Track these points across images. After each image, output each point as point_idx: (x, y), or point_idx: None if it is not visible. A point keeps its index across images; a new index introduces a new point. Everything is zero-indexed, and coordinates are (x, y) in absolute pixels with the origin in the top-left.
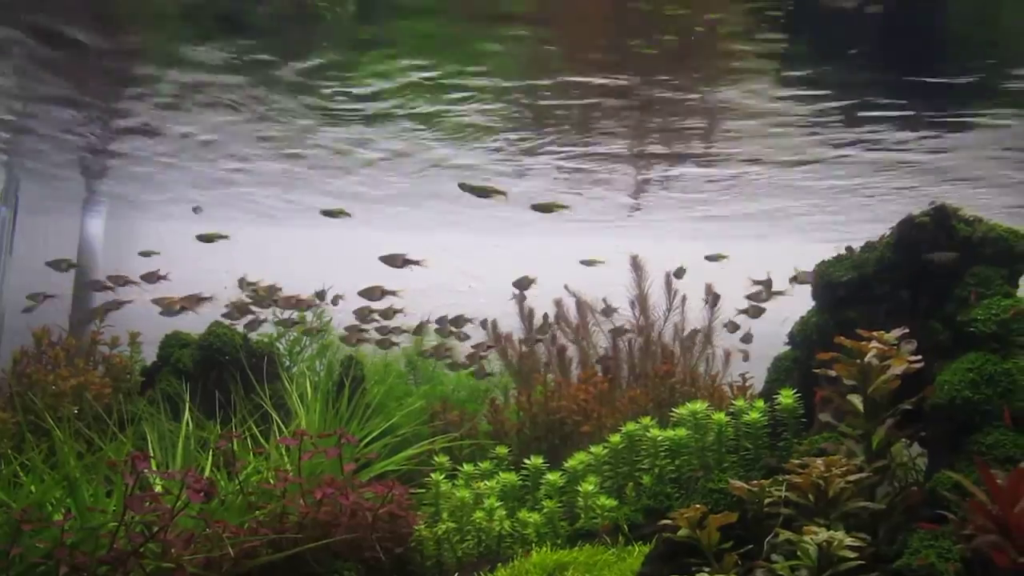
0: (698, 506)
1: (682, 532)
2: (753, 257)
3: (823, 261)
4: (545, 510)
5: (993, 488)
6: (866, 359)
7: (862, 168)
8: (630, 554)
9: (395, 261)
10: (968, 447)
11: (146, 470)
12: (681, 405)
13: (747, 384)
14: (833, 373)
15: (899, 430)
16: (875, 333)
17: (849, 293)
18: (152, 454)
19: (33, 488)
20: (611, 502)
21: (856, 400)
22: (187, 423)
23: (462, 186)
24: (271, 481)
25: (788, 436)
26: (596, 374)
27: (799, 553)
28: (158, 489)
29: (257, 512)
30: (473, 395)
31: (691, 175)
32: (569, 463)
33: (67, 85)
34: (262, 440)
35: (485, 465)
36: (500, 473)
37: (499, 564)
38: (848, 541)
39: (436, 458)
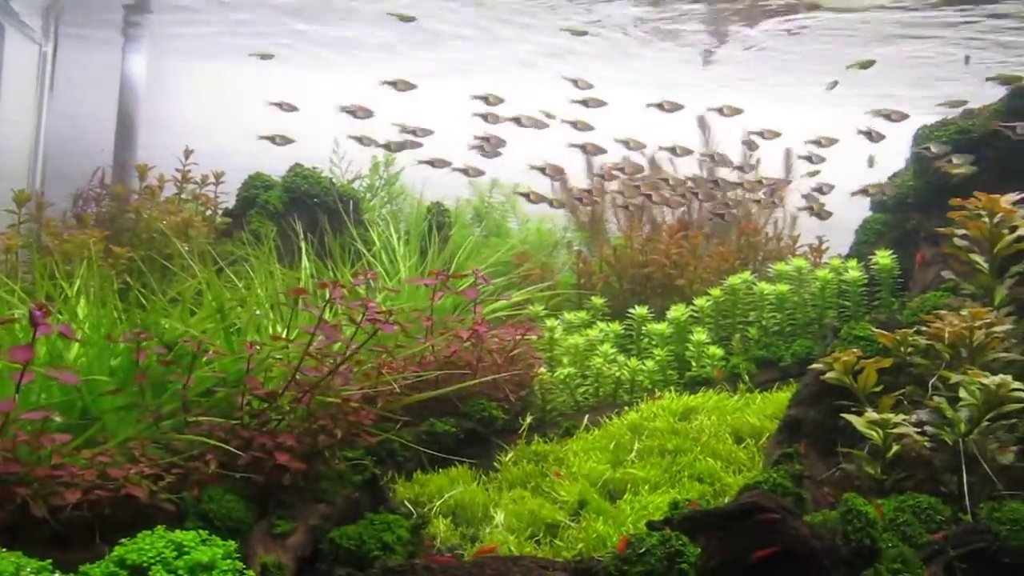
0: (855, 351)
1: (832, 375)
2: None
3: (925, 125)
4: (657, 358)
5: None
6: (995, 219)
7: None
8: (753, 400)
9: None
10: None
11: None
12: (771, 262)
13: (823, 247)
14: (960, 232)
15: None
16: (992, 196)
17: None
18: (257, 294)
19: (183, 322)
20: (720, 351)
21: (979, 259)
22: (305, 266)
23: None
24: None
25: (884, 295)
26: (687, 228)
27: (963, 394)
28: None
29: (400, 352)
30: (540, 248)
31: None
32: (672, 314)
33: None
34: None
35: (583, 315)
36: (598, 323)
37: (624, 408)
38: (1016, 385)
39: (532, 307)
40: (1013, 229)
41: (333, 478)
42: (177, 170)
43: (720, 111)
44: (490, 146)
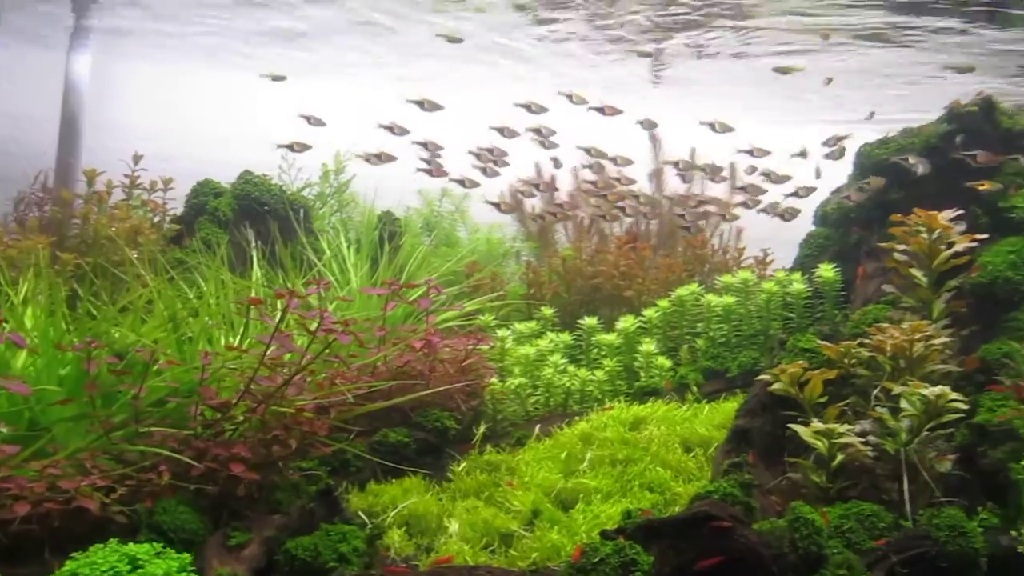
0: (801, 362)
1: (779, 386)
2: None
3: (867, 143)
4: (607, 368)
5: None
6: (934, 235)
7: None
8: (701, 410)
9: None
10: (1008, 323)
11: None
12: (718, 274)
13: (768, 259)
14: (901, 247)
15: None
16: (931, 212)
17: (894, 174)
18: (209, 303)
19: (135, 330)
20: (669, 362)
21: (918, 273)
22: (256, 275)
23: None
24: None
25: (827, 307)
26: (635, 240)
27: (904, 405)
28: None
29: (353, 361)
30: (490, 258)
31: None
32: (621, 325)
33: None
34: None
35: (533, 325)
36: (548, 333)
37: (574, 418)
38: (954, 396)
39: (483, 317)
40: (950, 245)
41: (288, 489)
42: (125, 175)
43: (712, 127)
44: (431, 155)
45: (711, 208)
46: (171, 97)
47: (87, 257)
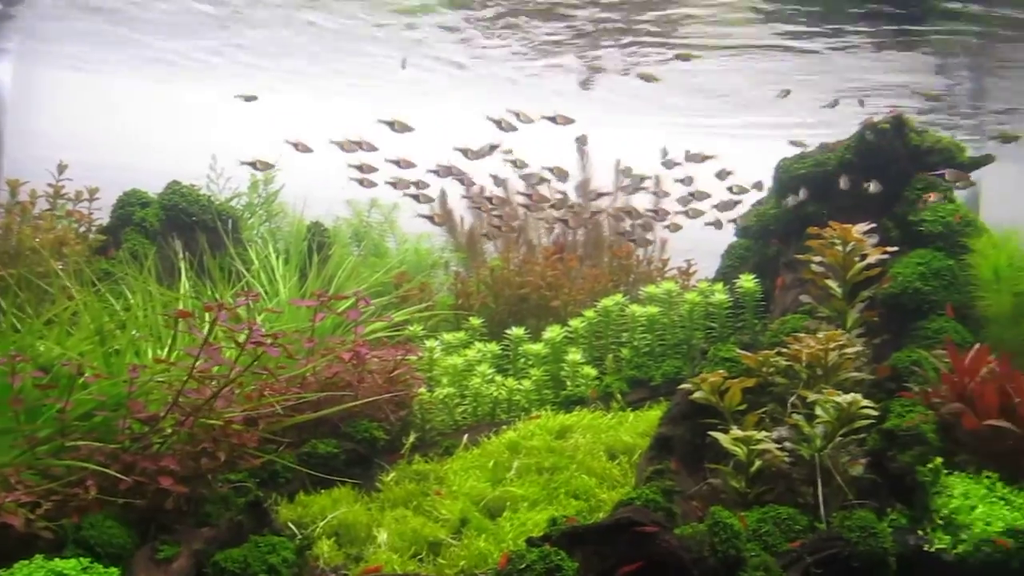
0: (721, 371)
1: (700, 395)
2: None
3: (785, 157)
4: (533, 377)
5: (957, 363)
6: (848, 248)
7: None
8: (626, 418)
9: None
10: (916, 332)
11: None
12: (642, 284)
13: (691, 270)
14: (817, 258)
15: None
16: (845, 226)
17: (811, 188)
18: (137, 315)
19: (60, 344)
20: (594, 371)
21: (834, 284)
22: (184, 287)
23: None
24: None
25: (748, 317)
26: (562, 251)
27: (819, 412)
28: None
29: (282, 372)
30: (418, 268)
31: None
32: (548, 335)
33: None
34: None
35: (461, 335)
36: (476, 343)
37: (502, 427)
38: (865, 403)
39: (411, 327)
40: (864, 257)
41: (216, 501)
42: (50, 185)
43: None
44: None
45: (656, 219)
46: (99, 106)
47: (10, 269)
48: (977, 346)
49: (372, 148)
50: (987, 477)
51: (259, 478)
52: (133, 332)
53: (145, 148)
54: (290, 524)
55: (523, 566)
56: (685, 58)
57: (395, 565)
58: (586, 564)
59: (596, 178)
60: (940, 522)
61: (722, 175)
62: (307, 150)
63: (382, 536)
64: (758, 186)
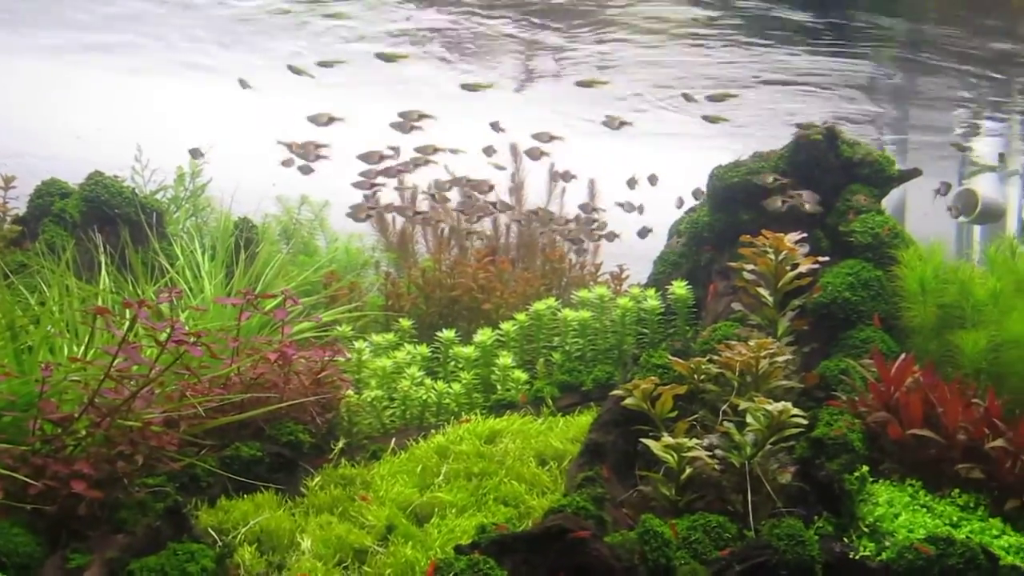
0: (653, 378)
1: (631, 401)
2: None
3: (720, 165)
4: (463, 381)
5: (884, 373)
6: (780, 257)
7: None
8: (556, 423)
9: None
10: (845, 341)
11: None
12: (575, 289)
13: (624, 275)
14: (749, 267)
15: (799, 322)
16: (777, 235)
17: (744, 197)
18: (52, 311)
19: None
20: (525, 375)
21: (765, 293)
22: (104, 282)
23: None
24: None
25: (680, 324)
26: (494, 254)
27: (749, 420)
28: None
29: (204, 372)
30: (348, 268)
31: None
32: (479, 338)
33: None
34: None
35: (390, 337)
36: (406, 345)
37: (431, 431)
38: (795, 411)
39: (339, 328)
40: (795, 266)
41: (133, 507)
42: None
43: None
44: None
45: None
46: (22, 93)
47: None
48: (903, 356)
49: (322, 147)
50: (911, 485)
51: (179, 482)
52: (48, 328)
53: (72, 137)
54: (210, 530)
55: (451, 574)
56: (720, 98)
57: (319, 573)
58: (515, 572)
59: (528, 182)
60: (865, 529)
61: (653, 180)
62: (301, 151)
63: (306, 543)
64: (696, 193)
